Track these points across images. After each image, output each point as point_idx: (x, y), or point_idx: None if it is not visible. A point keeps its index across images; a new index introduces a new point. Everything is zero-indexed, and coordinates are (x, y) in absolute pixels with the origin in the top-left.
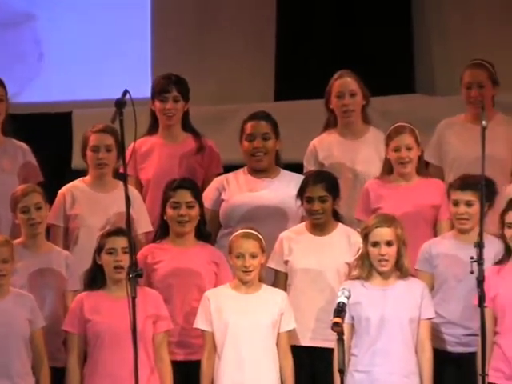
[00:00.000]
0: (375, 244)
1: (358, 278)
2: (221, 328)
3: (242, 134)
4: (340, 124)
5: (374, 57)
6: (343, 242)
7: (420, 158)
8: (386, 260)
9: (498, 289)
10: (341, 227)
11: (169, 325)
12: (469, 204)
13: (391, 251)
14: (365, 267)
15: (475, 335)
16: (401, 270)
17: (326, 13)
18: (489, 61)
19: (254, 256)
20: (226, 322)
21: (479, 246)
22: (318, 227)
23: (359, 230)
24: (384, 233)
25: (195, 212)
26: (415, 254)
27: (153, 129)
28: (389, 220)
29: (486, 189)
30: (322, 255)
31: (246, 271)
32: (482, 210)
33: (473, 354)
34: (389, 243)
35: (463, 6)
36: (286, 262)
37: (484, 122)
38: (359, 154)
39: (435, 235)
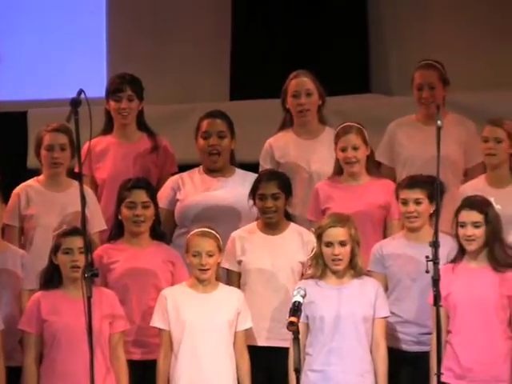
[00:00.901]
0: (329, 244)
1: (312, 277)
2: (178, 327)
3: (197, 132)
4: (296, 123)
5: (330, 57)
6: (296, 240)
7: (370, 157)
8: (340, 259)
9: (450, 287)
10: (293, 226)
11: (125, 325)
12: (417, 202)
13: (345, 251)
14: (319, 266)
15: (431, 334)
16: (355, 268)
17: (282, 13)
18: (439, 61)
19: (210, 255)
20: (183, 321)
21: (434, 245)
22: (270, 226)
23: (313, 229)
24: (337, 233)
25: (150, 212)
26: (364, 253)
27: (108, 128)
28: (342, 220)
29: (433, 187)
30: (276, 255)
31: (203, 269)
32: (438, 208)
33: (428, 353)
34: (342, 243)
35: (418, 7)
36: (240, 262)
37: (439, 122)
38: (315, 153)
39: (384, 236)
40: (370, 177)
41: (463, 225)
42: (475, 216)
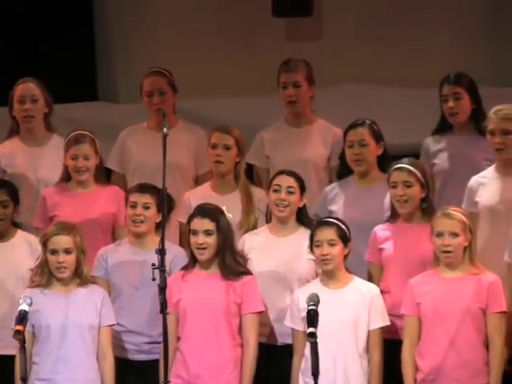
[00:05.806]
0: (53, 252)
1: (38, 285)
2: None
3: None
4: (22, 131)
5: (58, 65)
6: (24, 247)
7: (99, 165)
8: (65, 268)
9: (180, 294)
10: (21, 233)
11: None
12: (146, 207)
13: (70, 259)
14: (44, 274)
15: (157, 343)
16: (80, 277)
17: (9, 21)
18: (167, 69)
19: None
20: None
21: (161, 252)
22: None
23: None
24: (62, 240)
25: None
26: (93, 261)
27: None
28: (67, 228)
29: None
30: (4, 262)
31: None
32: (164, 215)
33: (156, 362)
34: (67, 251)
35: (145, 17)
36: None
37: (165, 130)
38: (42, 161)
39: (113, 242)
40: (98, 184)
41: (195, 233)
42: (207, 224)
